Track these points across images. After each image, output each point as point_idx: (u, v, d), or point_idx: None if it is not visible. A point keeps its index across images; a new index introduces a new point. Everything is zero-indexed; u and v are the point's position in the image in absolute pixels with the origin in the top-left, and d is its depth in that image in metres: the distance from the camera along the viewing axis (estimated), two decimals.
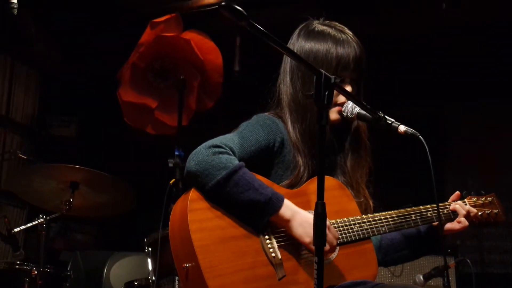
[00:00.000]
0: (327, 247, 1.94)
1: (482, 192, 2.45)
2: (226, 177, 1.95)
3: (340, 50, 2.20)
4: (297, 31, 2.33)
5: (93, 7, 5.45)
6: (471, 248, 5.30)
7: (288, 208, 2.00)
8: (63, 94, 6.39)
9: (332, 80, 1.75)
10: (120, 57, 4.07)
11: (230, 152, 2.02)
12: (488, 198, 2.44)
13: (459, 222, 2.32)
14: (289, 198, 2.03)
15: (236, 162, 2.00)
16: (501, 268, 5.23)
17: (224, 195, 1.96)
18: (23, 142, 5.95)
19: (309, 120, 2.18)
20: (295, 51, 2.19)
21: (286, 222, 2.00)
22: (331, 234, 2.01)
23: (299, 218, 2.00)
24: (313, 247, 1.90)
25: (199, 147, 2.03)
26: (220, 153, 1.99)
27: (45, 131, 6.21)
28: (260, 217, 1.97)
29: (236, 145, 2.07)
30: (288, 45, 2.26)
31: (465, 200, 2.41)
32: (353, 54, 2.22)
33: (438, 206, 2.14)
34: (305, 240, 1.98)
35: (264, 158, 2.15)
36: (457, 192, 2.42)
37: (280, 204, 1.98)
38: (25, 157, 4.46)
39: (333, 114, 2.22)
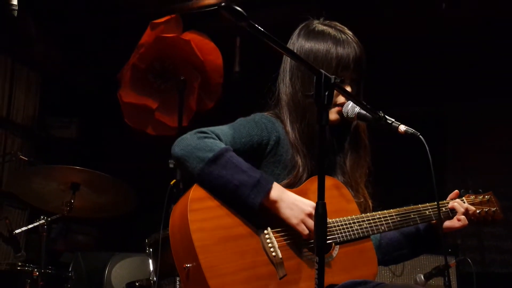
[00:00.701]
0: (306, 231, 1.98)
1: (480, 190, 2.46)
2: (213, 159, 1.95)
3: (340, 50, 2.20)
4: (297, 31, 2.32)
5: (93, 7, 5.46)
6: (472, 248, 5.30)
7: (276, 190, 2.00)
8: (63, 95, 6.39)
9: (332, 80, 1.75)
10: (120, 57, 4.08)
11: (216, 138, 2.03)
12: (486, 196, 2.44)
13: (459, 220, 2.32)
14: None
15: (223, 145, 2.01)
16: (502, 268, 5.23)
17: (213, 178, 1.96)
18: (24, 144, 5.95)
19: (308, 120, 2.18)
20: (295, 51, 2.20)
21: (274, 203, 1.99)
22: (311, 221, 1.98)
23: (287, 199, 2.00)
24: (300, 228, 1.97)
25: (185, 134, 2.04)
26: (205, 137, 2.01)
27: (45, 132, 6.20)
28: (251, 200, 1.95)
29: (226, 135, 2.08)
30: (288, 45, 2.26)
31: (463, 198, 2.41)
32: (353, 54, 2.21)
33: (438, 206, 2.13)
34: (292, 222, 1.99)
35: (255, 155, 2.15)
36: (456, 191, 2.42)
37: (269, 186, 1.98)
38: (26, 159, 4.45)
39: (333, 114, 2.21)
